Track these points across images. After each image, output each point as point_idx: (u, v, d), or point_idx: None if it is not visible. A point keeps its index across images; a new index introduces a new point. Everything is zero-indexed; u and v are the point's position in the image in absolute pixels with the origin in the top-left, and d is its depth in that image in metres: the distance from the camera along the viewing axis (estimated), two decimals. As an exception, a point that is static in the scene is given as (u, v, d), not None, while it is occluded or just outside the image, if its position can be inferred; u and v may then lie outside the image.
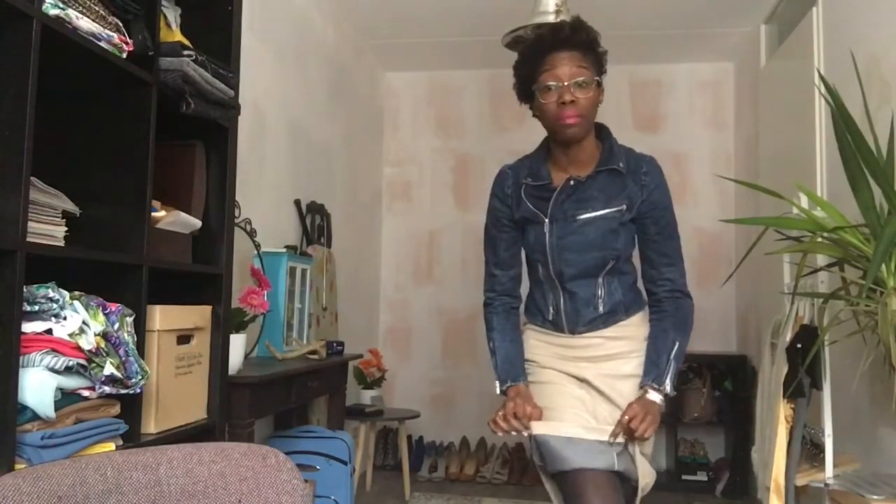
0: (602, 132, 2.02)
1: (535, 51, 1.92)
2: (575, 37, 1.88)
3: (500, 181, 2.06)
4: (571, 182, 1.95)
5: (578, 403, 1.95)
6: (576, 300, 1.98)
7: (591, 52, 1.90)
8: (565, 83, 1.85)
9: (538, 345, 2.06)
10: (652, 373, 1.95)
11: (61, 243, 1.54)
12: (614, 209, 1.94)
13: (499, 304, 2.08)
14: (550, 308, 2.02)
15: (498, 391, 2.00)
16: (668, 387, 1.92)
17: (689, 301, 2.03)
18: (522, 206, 2.00)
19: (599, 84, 1.92)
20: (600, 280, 1.97)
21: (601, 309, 1.98)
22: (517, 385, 1.98)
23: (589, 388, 1.98)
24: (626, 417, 1.86)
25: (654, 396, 1.92)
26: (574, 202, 1.95)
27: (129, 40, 1.67)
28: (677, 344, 1.96)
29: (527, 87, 1.95)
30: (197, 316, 1.97)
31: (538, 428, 1.90)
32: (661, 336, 1.98)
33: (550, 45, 1.88)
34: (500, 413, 1.91)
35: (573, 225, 1.94)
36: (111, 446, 1.56)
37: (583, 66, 1.87)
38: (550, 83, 1.87)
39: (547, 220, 1.96)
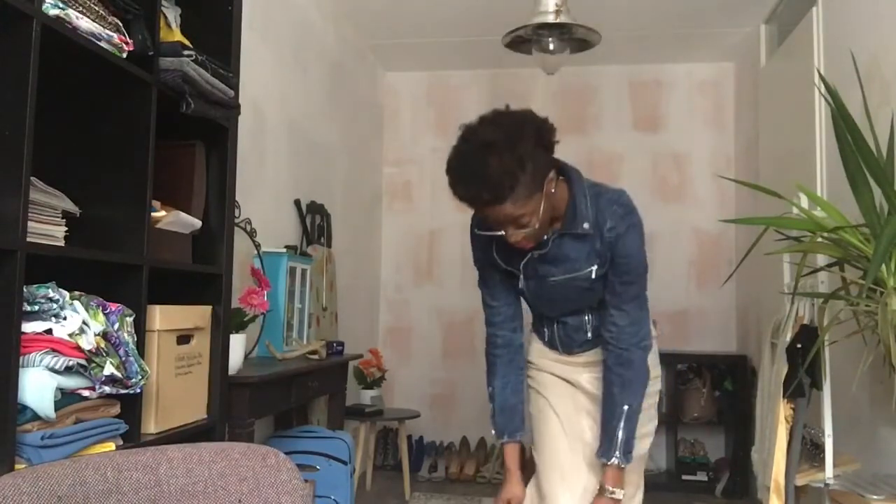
0: (569, 180, 1.82)
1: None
2: (498, 196, 1.63)
3: (474, 220, 1.96)
4: (536, 254, 1.86)
5: (560, 432, 2.00)
6: (567, 329, 2.01)
7: (521, 187, 1.64)
8: (506, 231, 1.72)
9: (539, 350, 2.10)
10: (603, 446, 1.90)
11: (61, 243, 1.54)
12: (584, 272, 1.86)
13: (501, 342, 2.02)
14: (546, 331, 2.06)
15: (497, 442, 2.07)
16: (616, 460, 1.86)
17: (636, 353, 1.88)
18: (497, 255, 1.94)
19: (545, 187, 1.70)
20: (586, 316, 1.98)
21: (590, 335, 1.99)
22: (513, 443, 2.02)
23: (580, 393, 2.03)
24: None
25: (610, 482, 1.88)
26: (543, 263, 1.89)
27: (129, 40, 1.67)
28: (626, 408, 1.88)
29: None
30: (197, 316, 1.97)
31: None
32: (609, 402, 1.91)
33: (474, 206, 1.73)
34: None
35: (547, 282, 1.91)
36: (111, 446, 1.56)
37: (517, 210, 1.66)
38: (491, 225, 1.76)
39: (521, 277, 1.93)
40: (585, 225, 1.80)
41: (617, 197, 1.84)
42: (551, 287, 1.91)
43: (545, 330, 2.06)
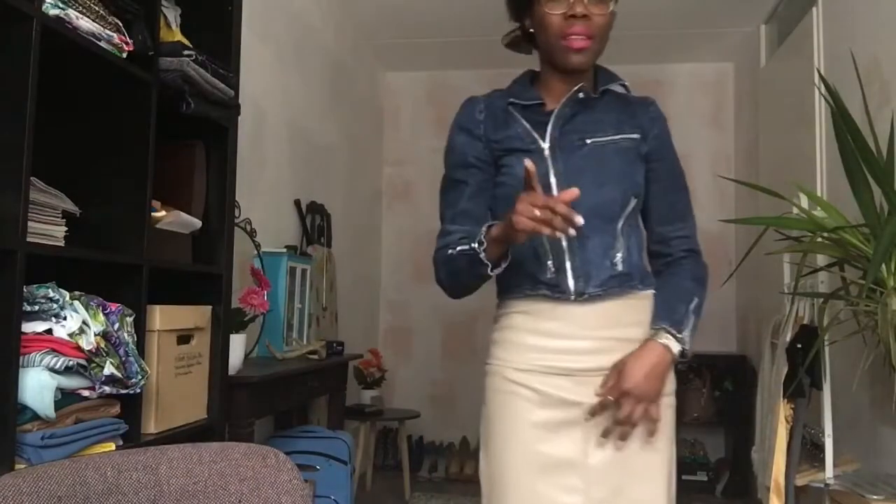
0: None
1: None
2: None
3: (467, 109, 1.61)
4: (581, 95, 1.53)
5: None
6: (587, 250, 1.50)
7: None
8: (580, 4, 1.45)
9: (522, 341, 1.56)
10: (667, 318, 1.52)
11: (61, 243, 1.54)
12: (629, 135, 1.55)
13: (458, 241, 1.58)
14: (549, 264, 1.51)
15: (479, 250, 1.43)
16: (687, 337, 1.51)
17: (704, 262, 1.65)
18: (512, 128, 1.55)
19: (615, 2, 1.51)
20: (619, 227, 1.52)
21: (620, 266, 1.52)
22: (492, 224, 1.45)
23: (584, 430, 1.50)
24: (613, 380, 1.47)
25: (671, 343, 1.50)
26: (580, 123, 1.53)
27: (129, 40, 1.67)
28: (696, 299, 1.56)
29: None
30: (197, 316, 1.97)
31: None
32: (675, 286, 1.58)
33: None
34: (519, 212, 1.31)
35: (583, 150, 1.51)
36: (111, 446, 1.56)
37: None
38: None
39: (547, 146, 1.51)
40: (626, 84, 1.60)
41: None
42: (588, 155, 1.51)
43: (547, 262, 1.51)
